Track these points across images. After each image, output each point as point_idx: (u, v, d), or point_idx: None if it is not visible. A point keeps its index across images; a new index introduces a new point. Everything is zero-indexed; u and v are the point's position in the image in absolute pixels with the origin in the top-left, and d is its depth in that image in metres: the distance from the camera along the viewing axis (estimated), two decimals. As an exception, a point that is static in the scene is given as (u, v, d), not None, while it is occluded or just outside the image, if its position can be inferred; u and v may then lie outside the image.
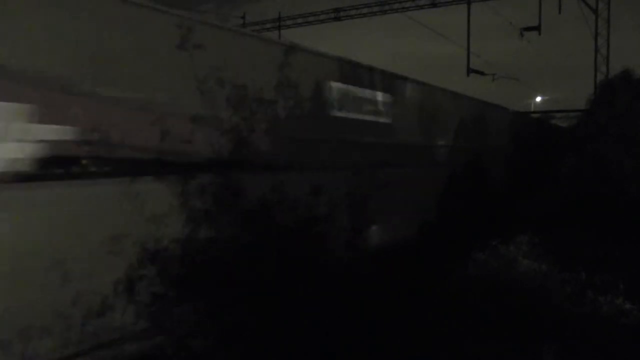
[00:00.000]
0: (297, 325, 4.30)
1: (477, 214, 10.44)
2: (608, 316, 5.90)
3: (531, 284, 6.78)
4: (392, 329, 4.92)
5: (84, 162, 3.93)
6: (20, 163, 3.52)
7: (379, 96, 8.44)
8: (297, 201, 4.70)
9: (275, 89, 5.28)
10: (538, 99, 44.68)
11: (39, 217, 3.59)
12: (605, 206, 10.75)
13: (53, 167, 3.75)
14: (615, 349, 5.07)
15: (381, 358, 4.54)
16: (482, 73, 23.07)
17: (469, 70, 22.37)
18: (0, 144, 3.41)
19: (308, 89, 6.52)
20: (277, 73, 5.22)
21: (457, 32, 24.41)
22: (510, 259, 7.82)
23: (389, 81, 8.84)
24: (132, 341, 4.09)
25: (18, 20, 3.58)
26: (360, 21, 30.42)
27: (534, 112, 30.15)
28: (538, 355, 4.87)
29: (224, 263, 4.20)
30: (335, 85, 7.26)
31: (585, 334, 5.33)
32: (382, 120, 8.52)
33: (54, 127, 3.71)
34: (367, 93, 8.11)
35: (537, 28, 22.29)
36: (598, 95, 14.75)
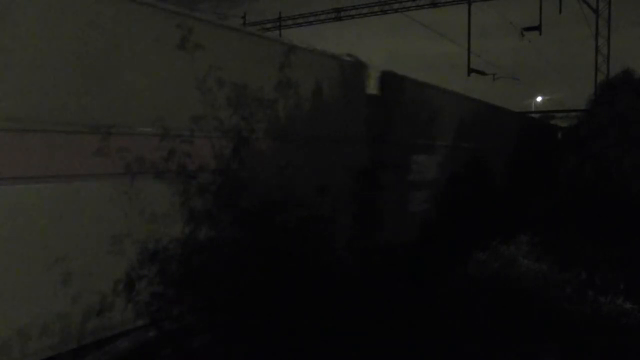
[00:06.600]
0: (297, 324, 4.30)
1: (478, 213, 10.42)
2: (608, 316, 5.89)
3: (531, 284, 6.77)
4: (391, 329, 4.92)
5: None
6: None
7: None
8: None
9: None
10: (538, 99, 44.83)
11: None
12: (605, 206, 10.73)
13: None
14: (615, 349, 5.06)
15: (380, 357, 4.53)
16: (482, 73, 23.07)
17: (470, 70, 22.37)
18: None
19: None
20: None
21: (457, 32, 24.41)
22: (510, 259, 7.82)
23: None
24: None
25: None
26: (361, 21, 30.41)
27: (534, 112, 30.19)
28: (538, 356, 4.86)
29: None
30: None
31: (585, 334, 5.32)
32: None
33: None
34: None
35: (538, 28, 22.26)
36: (598, 95, 14.69)
